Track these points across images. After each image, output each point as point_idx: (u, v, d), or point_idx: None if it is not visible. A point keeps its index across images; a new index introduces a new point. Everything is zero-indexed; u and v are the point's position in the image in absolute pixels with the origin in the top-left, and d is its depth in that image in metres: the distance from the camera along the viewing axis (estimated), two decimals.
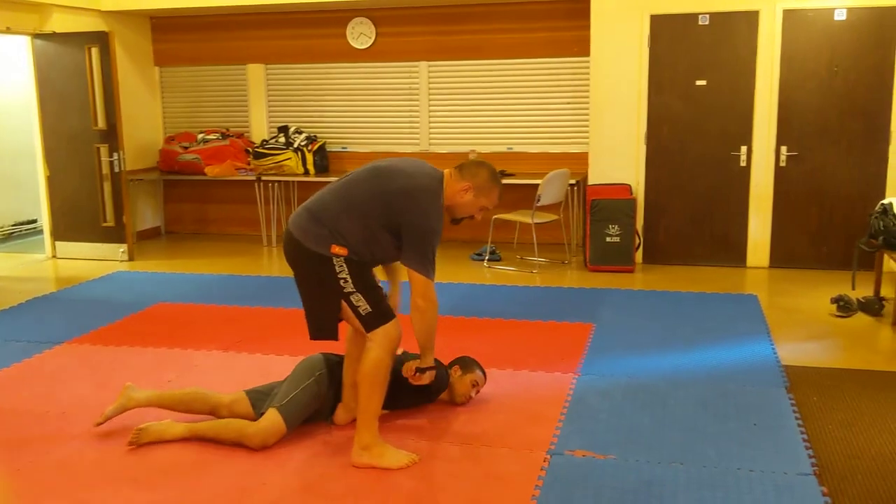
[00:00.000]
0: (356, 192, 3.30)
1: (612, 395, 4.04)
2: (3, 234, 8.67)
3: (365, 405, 3.26)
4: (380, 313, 3.25)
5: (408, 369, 3.46)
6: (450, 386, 3.85)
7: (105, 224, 7.51)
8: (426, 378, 3.48)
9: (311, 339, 3.39)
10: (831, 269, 6.72)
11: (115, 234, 7.51)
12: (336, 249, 3.23)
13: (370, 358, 3.23)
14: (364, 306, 3.24)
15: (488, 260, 7.20)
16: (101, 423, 3.55)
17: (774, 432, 3.59)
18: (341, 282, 3.23)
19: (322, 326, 3.35)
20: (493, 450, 3.44)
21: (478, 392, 3.93)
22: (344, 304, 3.26)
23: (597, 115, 7.10)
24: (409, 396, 3.79)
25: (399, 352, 3.74)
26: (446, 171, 3.39)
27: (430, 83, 8.09)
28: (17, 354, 4.73)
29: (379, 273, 3.51)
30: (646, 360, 4.56)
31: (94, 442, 3.50)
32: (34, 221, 8.79)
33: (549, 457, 3.36)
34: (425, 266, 3.22)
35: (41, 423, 3.75)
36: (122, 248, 7.49)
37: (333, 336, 3.36)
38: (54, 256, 7.72)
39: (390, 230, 3.24)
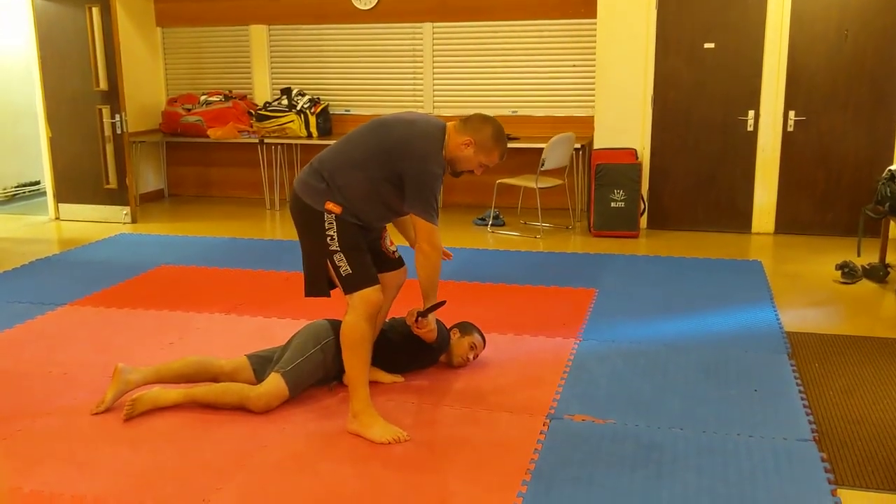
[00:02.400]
0: (358, 144, 3.27)
1: (612, 360, 4.03)
2: (7, 196, 8.66)
3: (348, 372, 3.27)
4: (360, 277, 3.21)
5: (410, 315, 3.42)
6: (449, 349, 3.84)
7: (108, 186, 7.49)
8: (428, 327, 3.43)
9: (304, 295, 3.38)
10: (837, 235, 6.67)
11: (117, 197, 7.49)
12: (329, 206, 3.20)
13: (345, 322, 3.22)
14: (345, 267, 3.21)
15: (492, 225, 7.17)
16: (101, 412, 3.41)
17: (775, 398, 3.58)
18: (327, 239, 3.21)
19: (312, 283, 3.35)
20: (492, 414, 3.44)
21: (476, 356, 3.93)
22: (327, 262, 3.24)
23: (603, 78, 7.01)
24: (412, 358, 3.80)
25: (387, 318, 3.75)
26: (450, 124, 3.34)
27: (434, 45, 7.99)
28: (19, 316, 4.73)
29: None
30: (648, 325, 4.55)
31: (94, 404, 3.49)
32: (37, 183, 8.77)
33: (548, 421, 3.36)
34: (428, 212, 3.19)
35: (42, 385, 3.76)
36: (125, 210, 7.47)
37: (324, 293, 3.35)
38: (57, 218, 7.71)
39: (392, 181, 3.20)
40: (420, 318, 3.41)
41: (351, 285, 3.21)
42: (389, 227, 3.59)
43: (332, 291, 3.36)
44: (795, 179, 6.79)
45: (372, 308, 3.20)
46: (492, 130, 3.30)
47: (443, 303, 3.40)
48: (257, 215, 7.88)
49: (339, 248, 3.21)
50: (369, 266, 3.26)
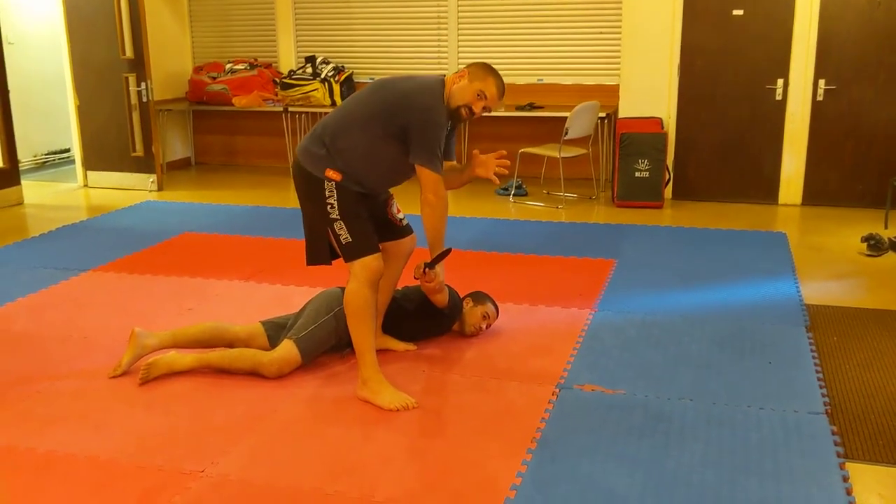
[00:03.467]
0: (359, 105, 3.28)
1: (626, 331, 4.02)
2: (37, 163, 8.78)
3: (354, 339, 3.28)
4: (360, 245, 3.21)
5: (417, 269, 3.40)
6: (461, 318, 3.85)
7: (134, 154, 7.56)
8: (436, 280, 3.40)
9: (306, 264, 3.40)
10: (866, 207, 6.55)
11: (144, 164, 7.56)
12: (329, 173, 3.20)
13: (348, 290, 3.23)
14: (345, 235, 3.21)
15: (514, 195, 7.13)
16: (118, 375, 3.48)
17: (789, 371, 3.55)
18: (328, 207, 3.21)
19: (313, 251, 3.37)
20: (502, 382, 3.45)
21: (489, 326, 3.93)
22: (328, 230, 3.25)
23: (629, 45, 6.91)
24: (425, 326, 3.81)
25: (399, 287, 3.76)
26: (448, 76, 3.34)
27: (459, 11, 7.91)
28: (44, 281, 4.82)
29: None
30: (665, 296, 4.51)
31: (112, 367, 3.55)
32: (67, 151, 8.88)
33: (557, 390, 3.36)
34: (433, 161, 3.18)
35: (62, 348, 3.84)
36: (152, 178, 7.54)
37: (325, 261, 3.36)
38: (86, 185, 7.81)
39: (396, 136, 3.19)
40: (427, 270, 3.38)
41: (351, 253, 3.22)
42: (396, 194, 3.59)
43: (334, 261, 3.38)
44: (824, 150, 6.66)
45: (373, 275, 3.21)
46: (484, 64, 3.32)
47: (448, 251, 3.36)
48: (281, 184, 7.91)
49: (339, 217, 3.21)
50: (370, 234, 3.26)
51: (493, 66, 3.35)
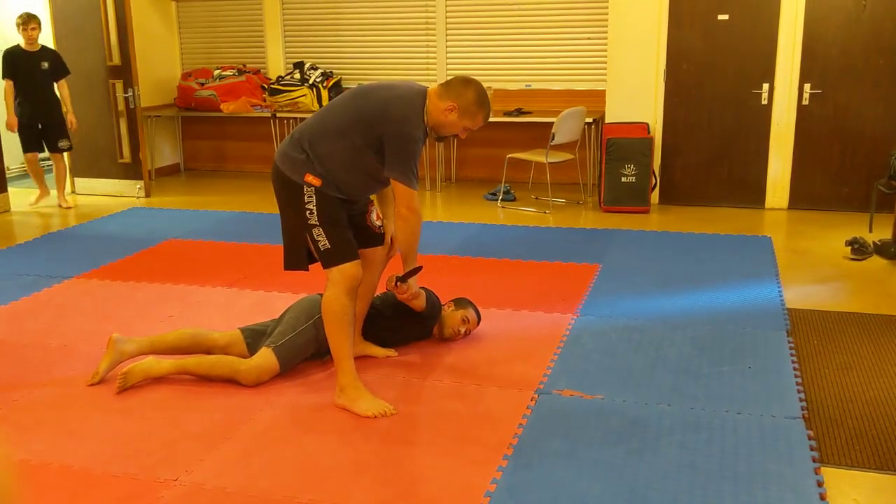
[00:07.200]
0: (338, 112, 3.26)
1: (607, 335, 4.01)
2: (26, 170, 8.74)
3: (332, 346, 3.27)
4: (338, 251, 3.20)
5: (389, 280, 3.40)
6: (441, 321, 3.85)
7: (122, 160, 7.55)
8: (409, 292, 3.40)
9: (283, 269, 3.40)
10: (852, 210, 6.55)
11: (132, 171, 7.55)
12: (309, 178, 3.18)
13: (325, 297, 3.22)
14: (324, 242, 3.20)
15: (502, 200, 7.13)
16: (96, 383, 3.46)
17: (768, 375, 3.55)
18: (307, 213, 3.20)
19: (291, 256, 3.35)
20: (481, 388, 3.45)
21: (469, 331, 3.93)
22: (307, 236, 3.23)
23: (615, 51, 6.92)
24: (405, 331, 3.80)
25: (377, 293, 3.75)
26: (431, 88, 3.30)
27: (447, 17, 7.92)
28: (26, 288, 4.81)
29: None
30: (647, 301, 4.51)
31: (90, 375, 3.54)
32: None
33: (536, 396, 3.36)
34: (408, 175, 3.17)
35: (41, 356, 3.82)
36: (139, 184, 7.53)
37: (303, 267, 3.35)
38: (73, 192, 7.79)
39: (373, 147, 3.18)
40: (399, 283, 3.38)
41: (330, 260, 3.21)
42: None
43: (311, 266, 3.37)
44: (810, 154, 6.67)
45: (351, 282, 3.20)
46: (474, 94, 3.25)
47: (419, 268, 3.37)
48: (269, 189, 7.79)
49: (318, 223, 3.20)
50: (349, 241, 3.25)
51: (483, 92, 3.28)
